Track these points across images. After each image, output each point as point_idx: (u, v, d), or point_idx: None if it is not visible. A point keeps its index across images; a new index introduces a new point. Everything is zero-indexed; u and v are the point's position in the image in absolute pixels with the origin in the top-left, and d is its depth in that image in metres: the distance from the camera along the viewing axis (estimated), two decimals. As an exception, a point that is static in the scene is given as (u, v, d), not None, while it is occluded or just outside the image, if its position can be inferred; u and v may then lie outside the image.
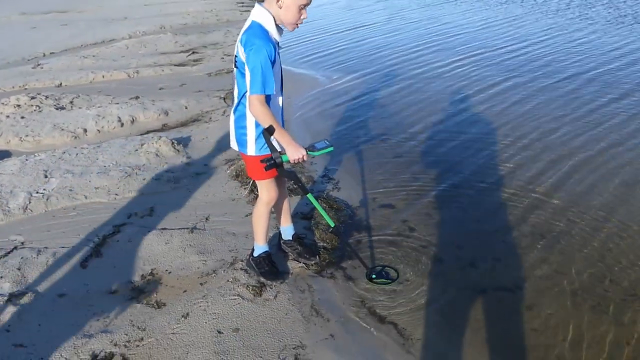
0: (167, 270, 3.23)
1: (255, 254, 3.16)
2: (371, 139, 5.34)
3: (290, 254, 3.31)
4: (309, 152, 2.67)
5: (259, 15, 2.59)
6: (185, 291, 3.03)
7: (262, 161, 2.67)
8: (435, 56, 8.56)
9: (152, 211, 3.94)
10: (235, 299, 2.92)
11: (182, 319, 2.80)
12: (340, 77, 7.72)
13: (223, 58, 9.21)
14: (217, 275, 3.14)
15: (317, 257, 3.31)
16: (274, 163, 2.64)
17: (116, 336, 2.68)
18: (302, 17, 2.60)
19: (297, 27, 2.65)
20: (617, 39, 9.18)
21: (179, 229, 3.69)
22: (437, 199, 4.06)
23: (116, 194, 4.17)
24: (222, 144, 5.10)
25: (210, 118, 6.02)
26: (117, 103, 6.49)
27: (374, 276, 3.12)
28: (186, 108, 6.41)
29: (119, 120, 5.89)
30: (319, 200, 3.96)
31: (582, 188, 4.07)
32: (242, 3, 17.60)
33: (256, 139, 2.78)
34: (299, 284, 3.09)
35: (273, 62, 2.55)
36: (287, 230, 3.33)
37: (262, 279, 3.09)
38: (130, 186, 4.27)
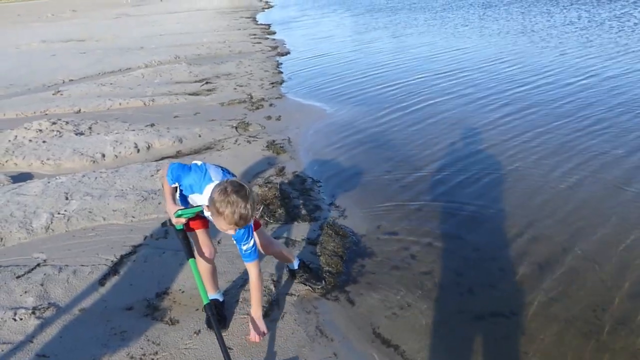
0: (180, 290, 3.41)
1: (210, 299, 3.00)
2: (378, 169, 5.54)
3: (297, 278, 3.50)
4: (175, 213, 2.77)
5: (212, 185, 2.63)
6: (197, 309, 3.20)
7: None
8: (439, 86, 8.82)
9: (167, 234, 4.15)
10: (244, 317, 3.10)
11: (194, 335, 2.97)
12: (349, 111, 7.98)
13: (235, 88, 9.55)
14: (228, 295, 3.32)
15: (323, 281, 3.49)
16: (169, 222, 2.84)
17: (132, 349, 2.86)
18: (230, 232, 2.57)
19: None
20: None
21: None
22: (439, 227, 4.24)
23: (133, 217, 4.39)
24: (235, 171, 5.32)
25: (223, 146, 6.28)
26: (134, 130, 6.77)
27: None
28: (200, 136, 6.67)
29: (135, 146, 6.16)
30: (325, 228, 4.16)
31: (581, 221, 4.22)
32: (254, 35, 18.15)
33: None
34: (305, 306, 3.26)
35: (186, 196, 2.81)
36: (291, 266, 3.52)
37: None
38: (146, 209, 4.49)
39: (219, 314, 3.09)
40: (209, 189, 2.63)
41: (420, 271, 3.65)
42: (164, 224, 2.90)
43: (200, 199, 2.72)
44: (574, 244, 3.89)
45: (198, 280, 2.82)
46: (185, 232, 2.88)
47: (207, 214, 2.69)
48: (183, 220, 2.82)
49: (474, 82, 9.15)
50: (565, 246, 3.87)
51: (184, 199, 2.90)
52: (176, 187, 2.85)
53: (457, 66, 10.68)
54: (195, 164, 2.80)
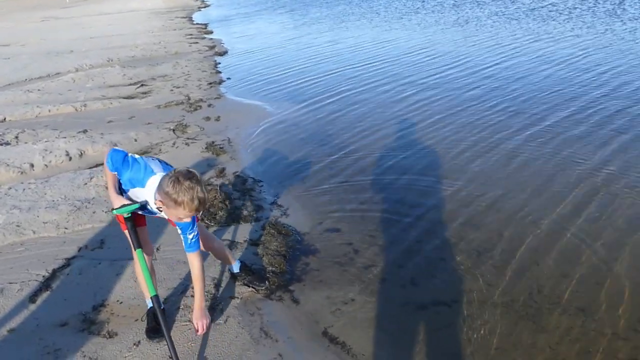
0: (118, 301, 3.29)
1: (148, 307, 3.08)
2: (319, 165, 5.55)
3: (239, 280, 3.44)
4: (112, 210, 2.73)
5: (155, 178, 2.61)
6: (136, 320, 3.09)
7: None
8: (379, 81, 8.99)
9: (102, 243, 3.99)
10: (186, 324, 3.02)
11: (134, 347, 2.87)
12: (287, 107, 7.99)
13: (172, 90, 9.31)
14: (168, 303, 3.23)
15: (266, 282, 3.46)
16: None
17: (67, 368, 2.72)
18: (183, 220, 2.60)
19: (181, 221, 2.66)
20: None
21: (130, 259, 3.73)
22: (380, 221, 4.30)
23: (66, 228, 4.19)
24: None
25: (160, 150, 6.10)
26: (65, 137, 6.47)
27: None
28: (135, 140, 6.46)
29: (67, 154, 5.88)
30: (267, 227, 4.12)
31: (514, 207, 4.39)
32: (191, 35, 17.77)
33: None
34: (249, 308, 3.22)
35: (126, 189, 2.73)
36: (231, 267, 3.46)
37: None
38: (80, 219, 4.30)
39: (158, 322, 2.98)
40: (152, 181, 2.60)
41: (363, 265, 3.68)
42: (112, 211, 2.78)
43: (142, 192, 2.67)
44: (510, 231, 4.03)
45: (145, 271, 2.78)
46: (133, 222, 2.78)
47: (153, 207, 2.66)
48: (124, 213, 2.71)
49: (406, 71, 9.40)
50: (502, 233, 4.01)
51: (122, 191, 2.80)
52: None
53: (389, 55, 10.98)
54: (133, 157, 2.71)
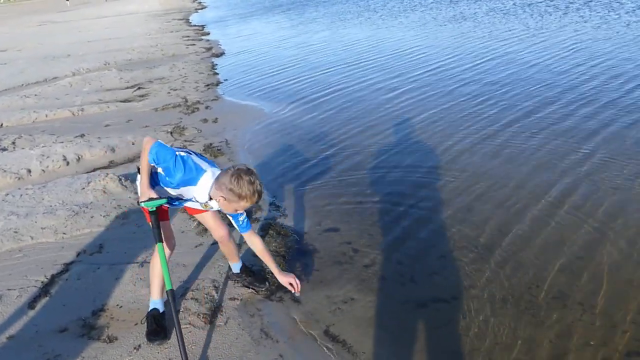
0: (118, 305, 3.28)
1: (149, 310, 3.08)
2: (318, 165, 5.55)
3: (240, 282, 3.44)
4: (140, 202, 2.76)
5: (207, 177, 2.73)
6: (136, 324, 3.08)
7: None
8: (373, 78, 9.01)
9: (101, 248, 3.98)
10: (186, 327, 3.01)
11: (134, 350, 2.86)
12: (283, 106, 8.01)
13: (169, 92, 9.30)
14: (168, 306, 3.21)
15: (267, 283, 3.45)
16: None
17: (67, 373, 2.71)
18: (238, 212, 2.83)
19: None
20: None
21: (129, 263, 3.74)
22: (379, 220, 4.29)
23: (64, 233, 4.18)
24: (171, 177, 5.18)
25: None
26: (62, 142, 6.46)
27: None
28: (133, 144, 6.45)
29: (64, 159, 5.88)
30: (266, 228, 4.11)
31: (513, 204, 4.38)
32: (188, 37, 17.77)
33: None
34: (249, 309, 3.21)
35: (173, 186, 2.76)
36: (234, 266, 3.46)
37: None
38: (78, 224, 4.29)
39: (159, 325, 2.99)
40: (204, 179, 2.73)
41: (363, 264, 3.67)
42: (139, 203, 2.80)
43: (192, 190, 2.77)
44: (509, 227, 4.02)
45: (164, 265, 2.81)
46: (157, 215, 2.80)
47: (200, 201, 2.82)
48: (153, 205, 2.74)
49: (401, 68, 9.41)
50: (501, 228, 3.99)
51: (153, 181, 2.83)
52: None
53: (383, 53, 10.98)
54: (182, 157, 2.73)
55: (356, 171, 5.31)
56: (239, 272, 3.45)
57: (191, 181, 2.73)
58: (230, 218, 3.03)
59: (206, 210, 3.03)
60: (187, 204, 2.95)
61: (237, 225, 3.04)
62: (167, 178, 2.76)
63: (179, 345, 2.66)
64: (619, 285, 3.26)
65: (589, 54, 9.62)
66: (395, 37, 14.08)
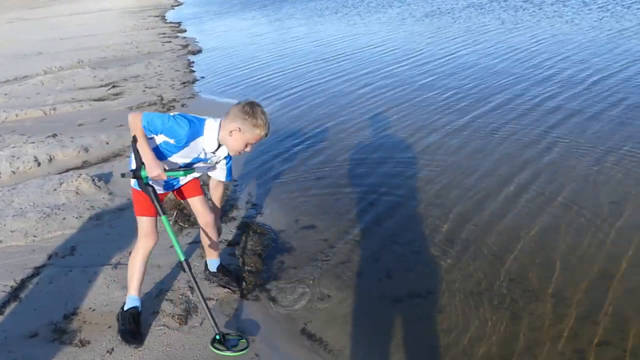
0: (90, 308, 3.21)
1: (125, 307, 2.98)
2: (294, 164, 5.53)
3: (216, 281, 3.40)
4: (167, 172, 2.71)
5: (211, 122, 2.74)
6: (110, 327, 3.03)
7: (122, 174, 2.81)
8: (349, 76, 9.03)
9: (73, 250, 3.90)
10: (161, 329, 2.97)
11: (108, 354, 2.81)
12: (264, 106, 7.96)
13: (145, 90, 9.18)
14: (142, 308, 3.16)
15: (243, 283, 3.42)
16: (133, 173, 2.70)
17: (38, 379, 2.66)
18: (245, 149, 2.79)
19: (239, 154, 2.84)
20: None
21: (102, 265, 3.67)
22: (356, 216, 4.29)
23: (34, 236, 4.09)
24: (145, 177, 5.11)
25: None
26: (33, 142, 6.32)
27: (217, 337, 2.78)
28: (107, 143, 6.34)
29: (36, 159, 5.75)
30: (242, 227, 4.08)
31: (485, 197, 4.42)
32: (164, 34, 17.55)
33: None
34: (225, 309, 3.18)
35: (178, 146, 2.70)
36: (212, 262, 3.41)
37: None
38: (49, 227, 4.20)
39: (137, 325, 2.93)
40: (209, 125, 2.73)
41: (339, 261, 3.67)
42: (122, 175, 2.73)
43: (201, 141, 2.73)
44: (482, 222, 4.05)
45: (173, 237, 2.81)
46: (154, 188, 2.74)
47: (219, 153, 2.85)
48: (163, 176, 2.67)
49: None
50: (475, 223, 4.02)
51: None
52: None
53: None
54: (178, 115, 2.66)
55: (330, 166, 5.35)
56: (215, 270, 3.41)
57: (198, 132, 2.70)
58: (224, 166, 3.00)
59: (199, 193, 3.08)
60: (196, 167, 2.88)
61: (226, 172, 3.03)
62: (172, 140, 2.66)
63: (208, 314, 2.76)
64: (591, 278, 3.31)
65: (559, 48, 9.84)
66: (371, 32, 14.22)
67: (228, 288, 3.36)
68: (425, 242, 3.84)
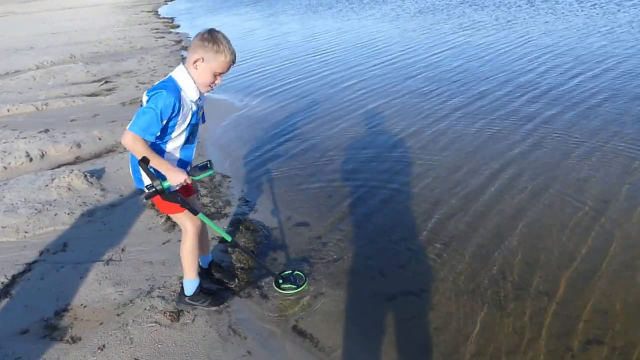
0: (82, 305, 3.20)
1: (190, 292, 3.09)
2: (286, 160, 5.52)
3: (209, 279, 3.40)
4: (191, 176, 2.68)
5: (177, 72, 2.63)
6: (101, 323, 3.02)
7: (145, 197, 2.66)
8: (338, 71, 9.04)
9: (65, 246, 3.88)
10: (152, 326, 2.96)
11: (99, 351, 2.80)
12: (252, 99, 8.01)
13: (137, 86, 9.12)
14: (134, 305, 3.16)
15: (236, 279, 3.42)
16: (155, 191, 2.60)
17: (29, 376, 2.64)
18: (215, 82, 2.67)
19: (211, 89, 2.71)
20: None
21: (94, 262, 3.66)
22: (349, 214, 4.29)
23: (26, 232, 4.06)
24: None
25: (125, 148, 5.95)
26: (25, 137, 6.27)
27: (280, 282, 3.31)
28: (100, 139, 6.30)
29: (27, 155, 5.71)
30: (236, 224, 4.07)
31: (478, 194, 4.44)
32: (157, 29, 17.45)
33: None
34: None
35: (175, 115, 2.58)
36: (203, 259, 3.40)
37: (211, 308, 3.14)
38: (41, 223, 4.17)
39: (210, 292, 3.21)
40: (177, 73, 2.62)
41: (332, 259, 3.67)
42: (147, 198, 2.66)
43: (185, 97, 2.61)
44: (476, 219, 4.07)
45: (214, 226, 2.95)
46: (179, 193, 2.70)
47: (195, 95, 2.66)
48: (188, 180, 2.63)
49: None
50: (468, 221, 4.04)
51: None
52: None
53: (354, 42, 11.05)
54: (149, 97, 2.53)
55: (323, 161, 5.35)
56: (207, 267, 3.41)
57: (176, 87, 2.57)
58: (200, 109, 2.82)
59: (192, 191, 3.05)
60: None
61: (203, 117, 2.92)
62: (173, 116, 2.56)
63: (261, 265, 3.29)
64: (582, 276, 3.33)
65: (548, 44, 9.99)
66: (364, 28, 14.29)
67: (221, 284, 3.36)
68: (418, 241, 3.85)
